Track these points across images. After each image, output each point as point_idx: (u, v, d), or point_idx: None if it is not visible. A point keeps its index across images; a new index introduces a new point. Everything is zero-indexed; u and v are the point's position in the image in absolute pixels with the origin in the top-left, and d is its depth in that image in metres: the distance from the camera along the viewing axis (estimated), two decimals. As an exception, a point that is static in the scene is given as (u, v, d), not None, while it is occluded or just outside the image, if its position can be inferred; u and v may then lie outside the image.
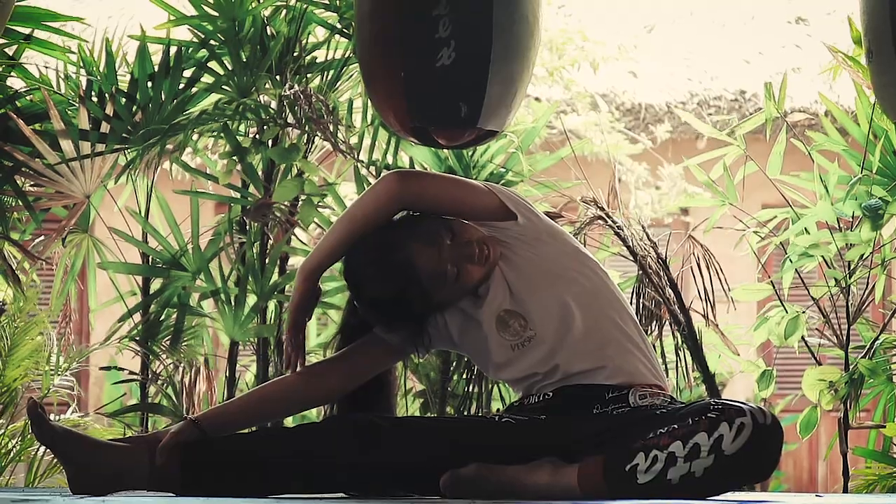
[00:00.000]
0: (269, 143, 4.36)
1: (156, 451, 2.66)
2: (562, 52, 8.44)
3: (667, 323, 4.33)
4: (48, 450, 3.09)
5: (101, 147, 4.28)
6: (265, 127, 4.33)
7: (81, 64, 4.37)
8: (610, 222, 4.32)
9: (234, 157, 4.34)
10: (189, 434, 2.68)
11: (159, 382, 4.39)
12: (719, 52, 9.05)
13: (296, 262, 4.63)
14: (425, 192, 2.77)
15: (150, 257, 4.44)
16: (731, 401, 2.54)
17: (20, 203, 4.27)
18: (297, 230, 4.45)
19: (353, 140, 4.44)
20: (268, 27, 4.38)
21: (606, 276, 2.82)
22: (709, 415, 2.48)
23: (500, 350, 2.76)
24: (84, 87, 4.33)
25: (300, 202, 4.34)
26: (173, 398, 4.35)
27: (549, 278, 2.76)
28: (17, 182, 4.26)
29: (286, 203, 4.31)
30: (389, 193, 2.74)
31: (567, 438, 2.64)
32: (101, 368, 4.50)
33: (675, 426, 2.50)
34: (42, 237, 4.43)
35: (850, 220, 4.31)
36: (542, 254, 2.77)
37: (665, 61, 9.02)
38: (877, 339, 4.32)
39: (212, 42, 4.38)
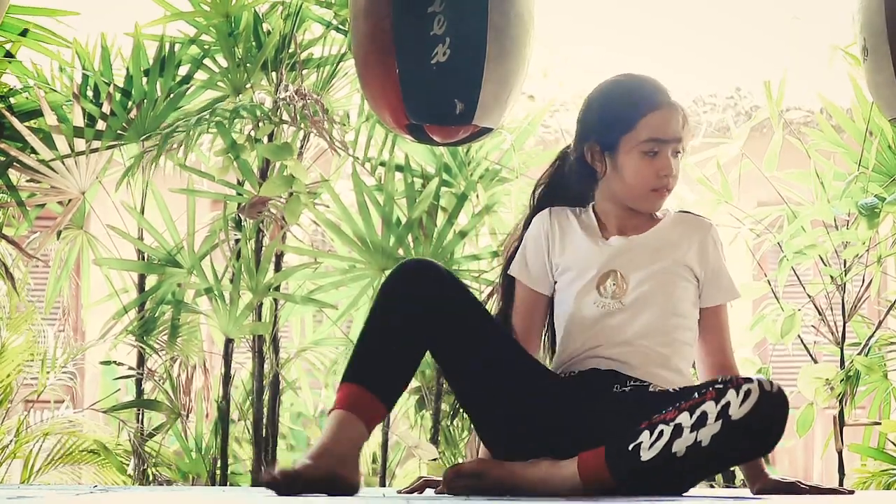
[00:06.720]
0: (265, 139, 4.35)
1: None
2: (553, 49, 8.42)
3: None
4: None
5: (96, 144, 4.27)
6: (260, 124, 4.32)
7: (76, 61, 4.36)
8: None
9: (230, 154, 4.33)
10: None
11: (156, 378, 4.39)
12: (715, 49, 9.05)
13: (290, 259, 4.62)
14: None
15: (146, 254, 4.44)
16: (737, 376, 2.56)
17: (13, 199, 4.26)
18: (293, 227, 4.44)
19: (349, 137, 4.43)
20: (263, 23, 4.37)
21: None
22: (716, 386, 2.49)
23: (585, 300, 2.80)
24: (79, 84, 4.32)
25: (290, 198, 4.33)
26: (170, 394, 4.35)
27: (659, 276, 2.82)
28: (12, 178, 4.25)
29: (282, 200, 4.30)
30: None
31: (585, 408, 2.68)
32: (102, 363, 4.49)
33: (682, 402, 2.50)
34: (37, 233, 4.42)
35: (847, 217, 4.30)
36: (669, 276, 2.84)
37: (660, 58, 9.01)
38: (872, 336, 4.31)
39: (206, 38, 4.37)
